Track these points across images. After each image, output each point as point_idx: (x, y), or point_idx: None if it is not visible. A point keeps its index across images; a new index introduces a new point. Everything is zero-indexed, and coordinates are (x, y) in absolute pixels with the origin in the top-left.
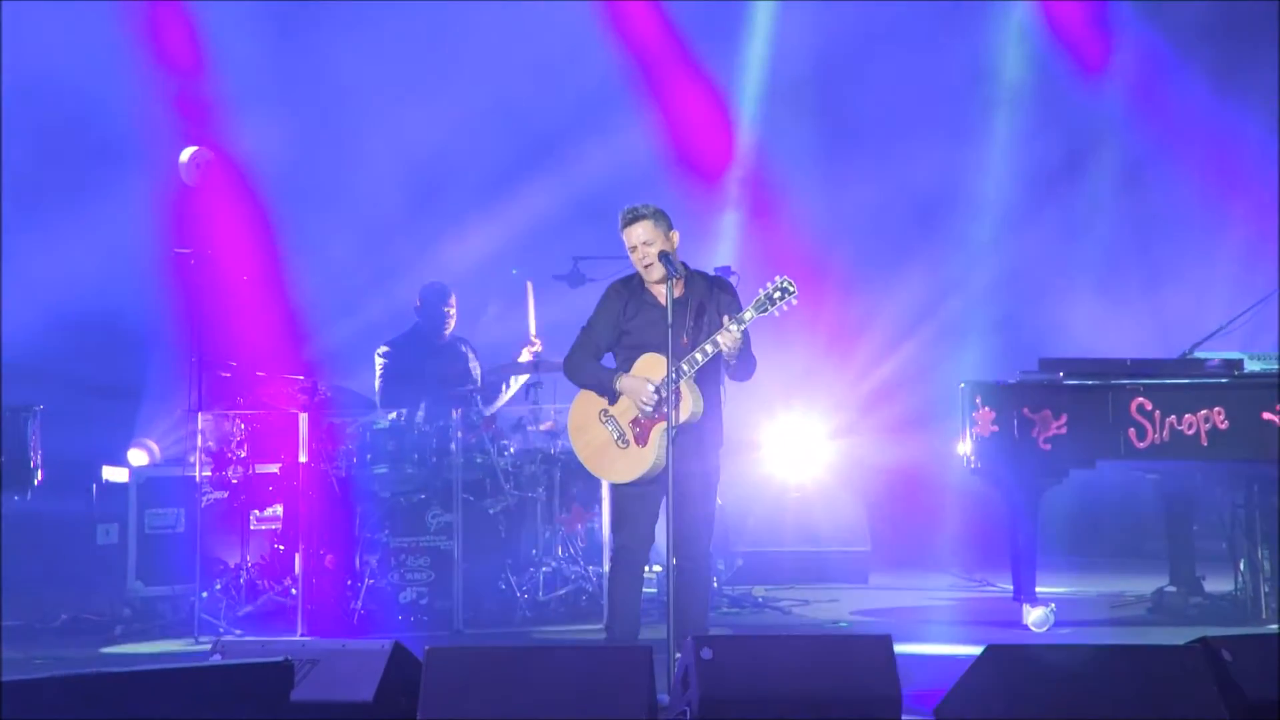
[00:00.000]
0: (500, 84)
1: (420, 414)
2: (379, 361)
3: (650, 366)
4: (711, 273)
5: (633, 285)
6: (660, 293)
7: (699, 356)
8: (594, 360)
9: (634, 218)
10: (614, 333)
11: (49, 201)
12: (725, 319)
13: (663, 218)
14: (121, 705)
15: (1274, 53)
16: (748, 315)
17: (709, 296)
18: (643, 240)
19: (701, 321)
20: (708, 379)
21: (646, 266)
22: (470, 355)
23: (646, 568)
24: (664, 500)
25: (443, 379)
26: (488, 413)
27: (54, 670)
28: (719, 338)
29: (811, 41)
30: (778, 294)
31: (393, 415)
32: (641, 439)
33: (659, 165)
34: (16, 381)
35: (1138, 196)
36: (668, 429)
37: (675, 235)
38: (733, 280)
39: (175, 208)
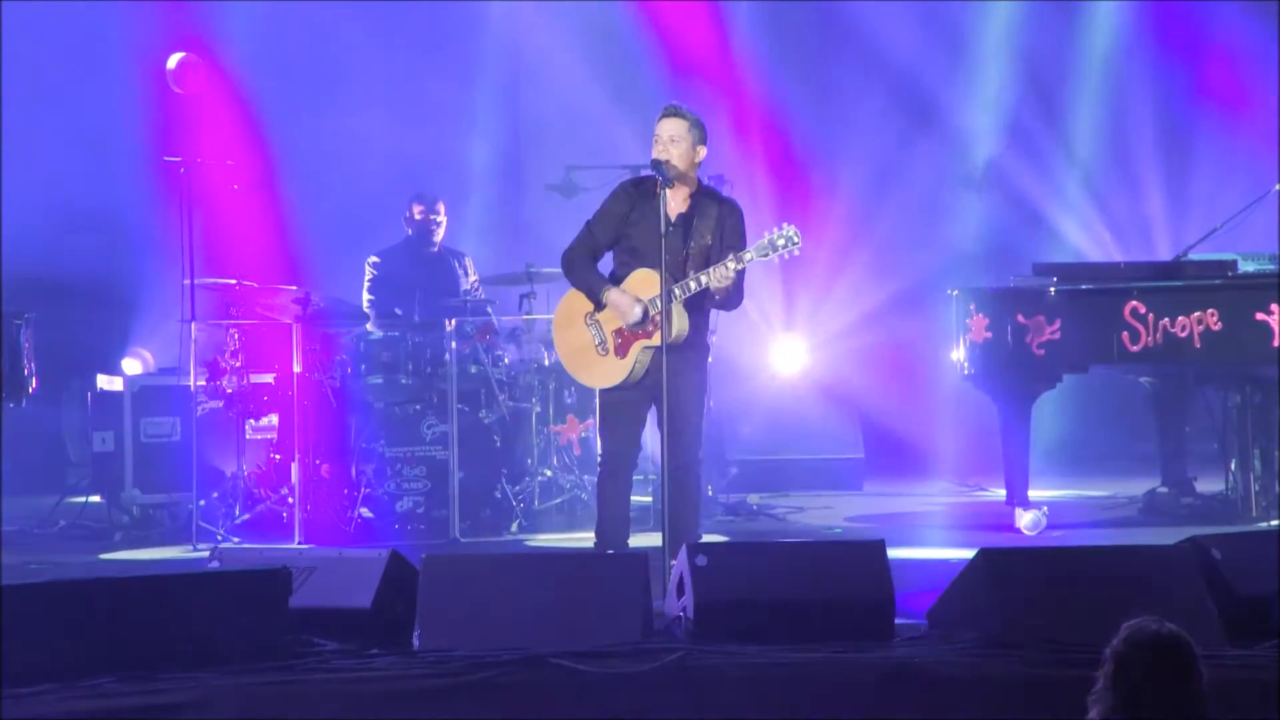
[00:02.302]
0: None
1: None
2: (368, 271)
3: (642, 284)
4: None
5: (643, 189)
6: (668, 203)
7: (692, 285)
8: (591, 260)
9: (674, 113)
10: (614, 234)
11: (38, 104)
12: (725, 261)
13: (699, 129)
14: (120, 610)
15: None
16: (747, 257)
17: (716, 219)
18: (670, 136)
19: (702, 243)
20: (696, 294)
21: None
22: (462, 269)
23: (642, 475)
24: (653, 408)
25: (429, 290)
26: None
27: (52, 576)
28: (711, 275)
29: None
30: (781, 241)
31: (379, 332)
32: (621, 350)
33: (647, 68)
34: (7, 288)
35: (1133, 110)
36: (660, 347)
37: (702, 150)
38: (726, 190)
39: (164, 114)
